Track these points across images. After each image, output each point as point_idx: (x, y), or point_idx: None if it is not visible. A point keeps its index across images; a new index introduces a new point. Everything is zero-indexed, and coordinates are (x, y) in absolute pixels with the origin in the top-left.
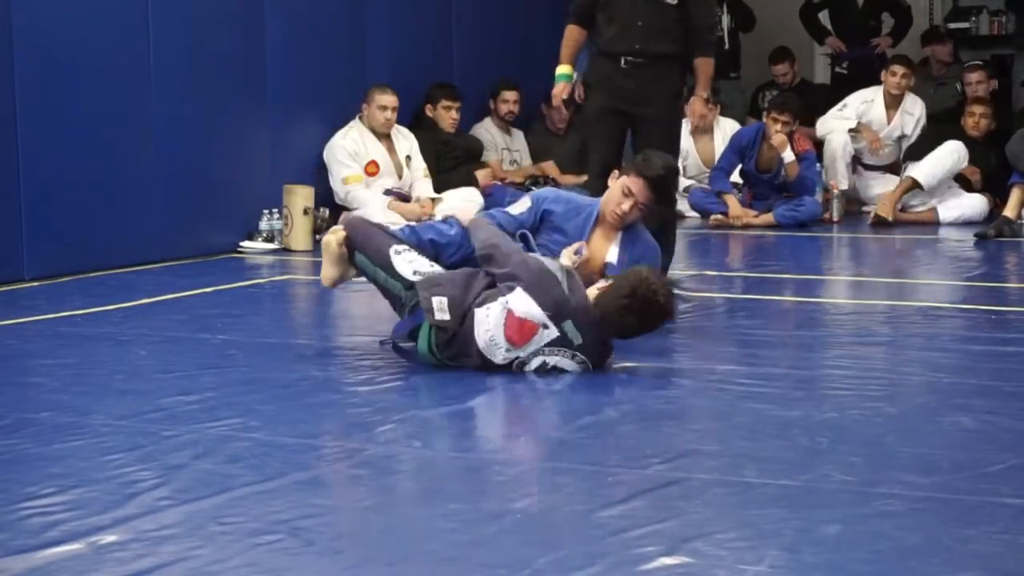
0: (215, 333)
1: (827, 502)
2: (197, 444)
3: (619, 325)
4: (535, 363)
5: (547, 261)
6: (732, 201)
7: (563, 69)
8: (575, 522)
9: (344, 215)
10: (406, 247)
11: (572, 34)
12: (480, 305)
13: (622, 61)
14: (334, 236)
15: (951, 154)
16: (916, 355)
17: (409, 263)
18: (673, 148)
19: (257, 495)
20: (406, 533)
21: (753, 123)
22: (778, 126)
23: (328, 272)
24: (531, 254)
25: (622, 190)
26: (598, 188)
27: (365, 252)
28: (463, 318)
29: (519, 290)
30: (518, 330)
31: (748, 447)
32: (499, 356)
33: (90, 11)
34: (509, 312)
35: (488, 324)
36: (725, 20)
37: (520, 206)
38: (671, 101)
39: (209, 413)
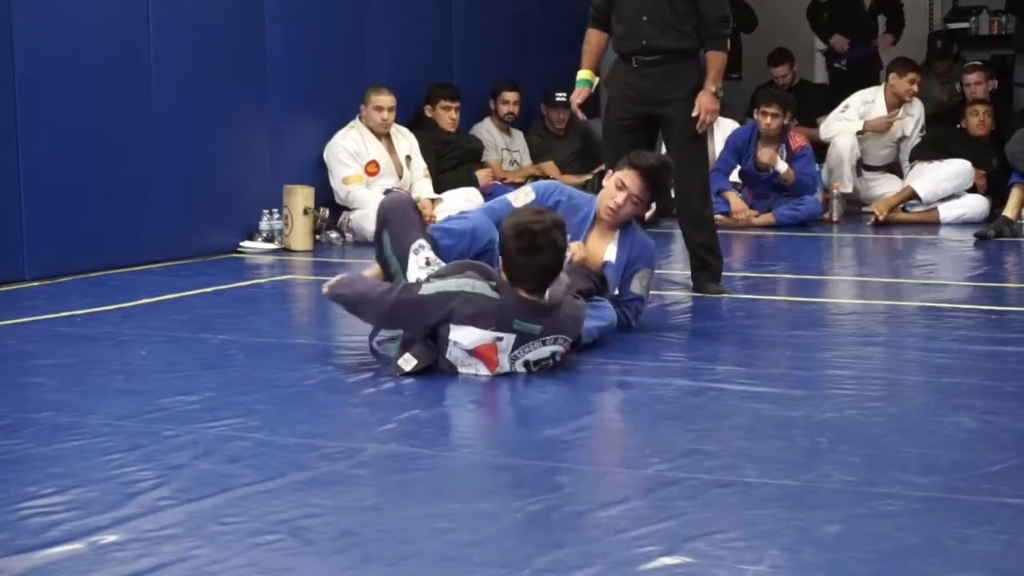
0: (215, 333)
1: (827, 502)
2: (197, 444)
3: (538, 274)
4: (518, 367)
5: (464, 280)
6: (733, 197)
7: (583, 74)
8: (575, 522)
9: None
10: (426, 245)
11: (591, 38)
12: (442, 349)
13: (634, 61)
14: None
15: (956, 177)
16: (916, 355)
17: (419, 268)
18: (699, 147)
19: (257, 495)
20: (406, 533)
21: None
22: (768, 119)
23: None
24: (432, 286)
25: (616, 184)
26: None
27: (392, 233)
28: (435, 346)
29: (452, 327)
30: (479, 355)
31: (748, 447)
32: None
33: (90, 11)
34: (473, 349)
35: (464, 363)
36: None
37: (523, 197)
38: (690, 99)
39: (209, 413)
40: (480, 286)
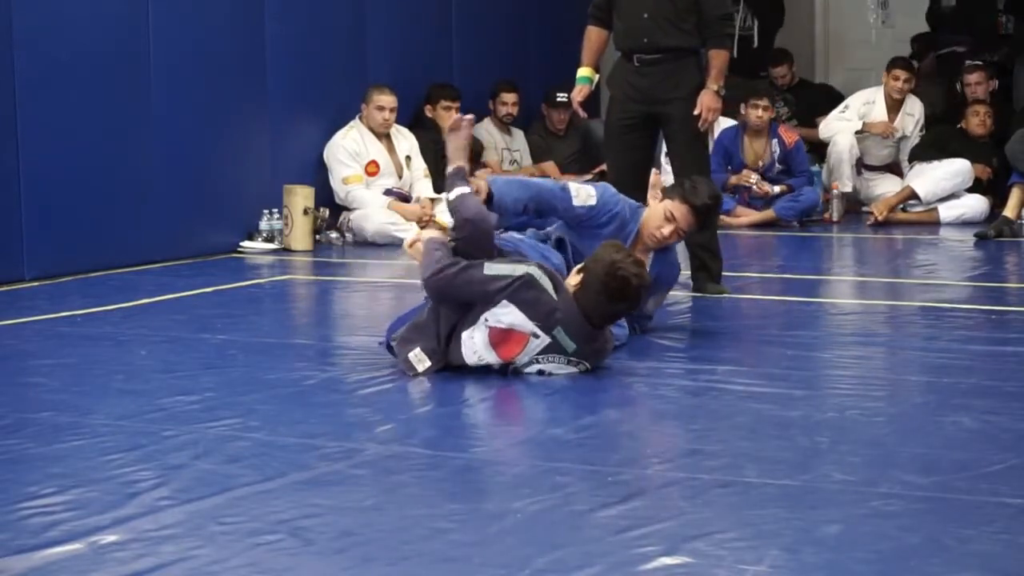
0: (215, 333)
1: (827, 502)
2: (197, 444)
3: (606, 316)
4: (532, 370)
5: (533, 268)
6: (738, 177)
7: (583, 72)
8: (575, 522)
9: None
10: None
11: (591, 35)
12: (466, 328)
13: (635, 60)
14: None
15: (956, 176)
16: (916, 355)
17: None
18: (700, 146)
19: (257, 495)
20: (406, 533)
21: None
22: (759, 111)
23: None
24: (516, 263)
25: (665, 214)
26: None
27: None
28: (448, 344)
29: (504, 302)
30: (505, 342)
31: (748, 447)
32: (494, 367)
33: (90, 11)
34: (491, 328)
35: (475, 346)
36: (754, 21)
37: (585, 198)
38: (691, 98)
39: (209, 413)
40: (545, 280)
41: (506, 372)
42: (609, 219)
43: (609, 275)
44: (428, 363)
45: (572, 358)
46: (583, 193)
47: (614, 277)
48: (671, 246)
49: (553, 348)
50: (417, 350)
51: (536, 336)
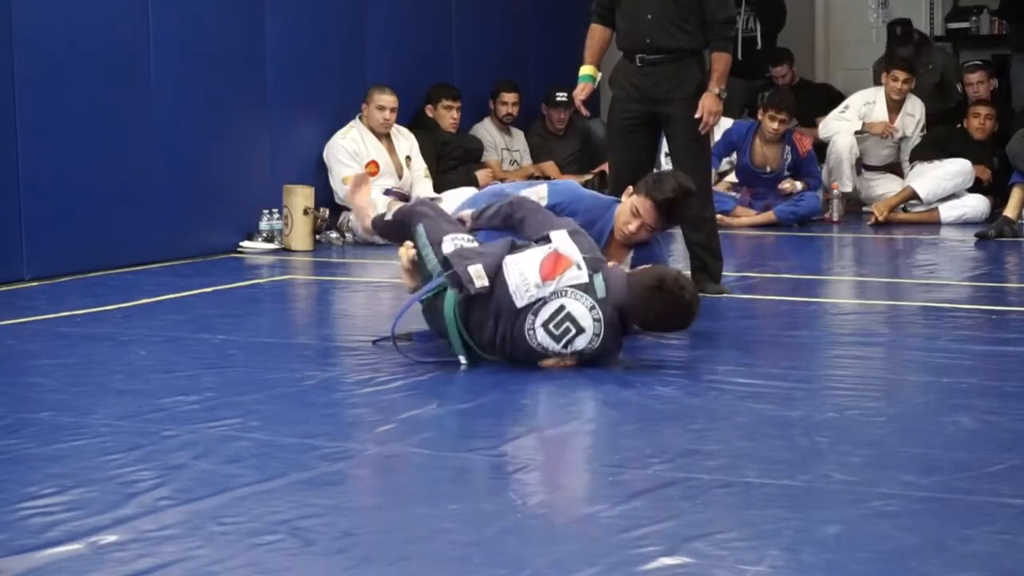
0: (215, 333)
1: (827, 502)
2: (197, 444)
3: (643, 312)
4: (553, 306)
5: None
6: (724, 185)
7: (585, 70)
8: (575, 522)
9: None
10: (464, 238)
11: (594, 33)
12: (515, 253)
13: (637, 60)
14: (406, 253)
15: (956, 176)
16: (916, 355)
17: (453, 241)
18: (701, 147)
19: (257, 495)
20: (406, 533)
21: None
22: (776, 124)
23: (408, 283)
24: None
25: (631, 209)
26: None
27: (427, 229)
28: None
29: (564, 232)
30: (553, 263)
31: (748, 447)
32: (525, 298)
33: (90, 11)
34: (552, 251)
35: (522, 266)
36: (757, 23)
37: (534, 198)
38: (692, 99)
39: (209, 413)
40: (594, 245)
41: (523, 326)
42: (571, 213)
43: (667, 276)
44: (485, 282)
45: (595, 309)
46: (533, 195)
47: (667, 283)
48: (653, 248)
49: (585, 288)
50: (479, 266)
51: (579, 268)
